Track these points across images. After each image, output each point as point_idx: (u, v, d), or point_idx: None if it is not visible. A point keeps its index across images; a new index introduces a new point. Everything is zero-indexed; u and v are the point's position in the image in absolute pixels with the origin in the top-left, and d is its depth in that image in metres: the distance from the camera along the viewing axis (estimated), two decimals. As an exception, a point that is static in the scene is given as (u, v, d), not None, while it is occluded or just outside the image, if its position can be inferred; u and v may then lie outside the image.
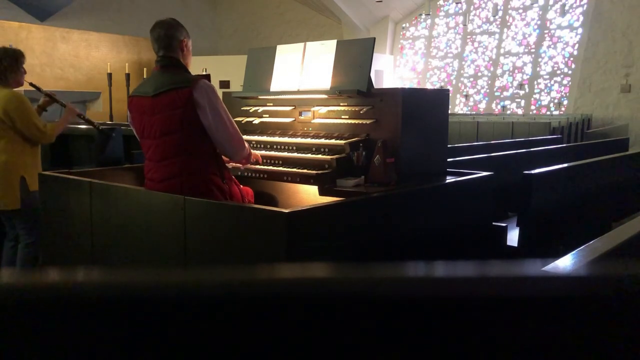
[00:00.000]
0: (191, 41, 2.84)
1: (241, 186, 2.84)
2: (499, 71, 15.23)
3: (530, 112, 14.35)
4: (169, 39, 2.70)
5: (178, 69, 2.71)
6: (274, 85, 3.36)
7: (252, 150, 2.96)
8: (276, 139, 3.27)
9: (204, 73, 2.86)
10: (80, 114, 4.09)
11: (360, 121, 2.96)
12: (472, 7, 15.82)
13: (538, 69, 14.65)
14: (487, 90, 15.40)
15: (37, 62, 12.35)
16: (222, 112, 2.63)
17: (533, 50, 14.74)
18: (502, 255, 3.17)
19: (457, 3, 15.90)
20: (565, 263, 1.47)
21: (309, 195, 3.21)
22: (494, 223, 3.17)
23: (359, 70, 2.97)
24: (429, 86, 15.94)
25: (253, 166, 3.11)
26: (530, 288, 0.55)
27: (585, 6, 13.95)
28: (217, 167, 2.66)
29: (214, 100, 2.61)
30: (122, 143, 5.21)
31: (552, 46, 14.50)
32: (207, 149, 2.62)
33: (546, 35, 14.59)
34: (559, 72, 14.36)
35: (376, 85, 2.98)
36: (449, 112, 3.95)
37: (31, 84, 3.94)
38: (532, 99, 14.69)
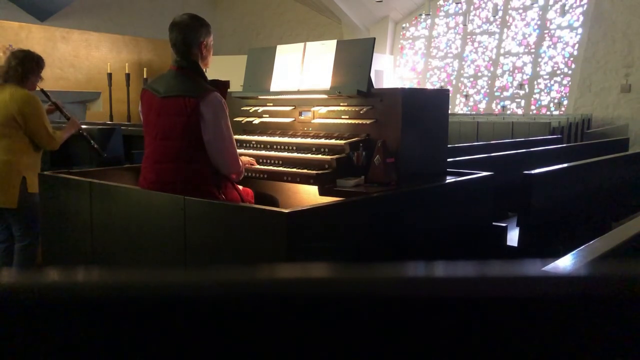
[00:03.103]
0: (212, 37, 2.74)
1: (241, 187, 2.83)
2: (499, 71, 15.23)
3: (530, 112, 14.34)
4: (186, 46, 2.64)
5: (193, 74, 2.64)
6: (274, 85, 3.36)
7: (243, 158, 2.93)
8: (276, 139, 3.27)
9: (222, 79, 2.76)
10: (81, 131, 4.12)
11: (360, 121, 2.96)
12: (472, 7, 15.81)
13: (538, 69, 14.64)
14: (487, 90, 15.39)
15: (37, 62, 12.33)
16: (224, 131, 2.57)
17: (533, 50, 14.73)
18: (502, 255, 3.17)
19: (457, 3, 15.89)
20: (565, 263, 1.47)
21: (309, 195, 3.21)
22: (494, 223, 3.17)
23: (359, 70, 2.97)
24: (429, 86, 15.93)
25: (253, 166, 3.11)
26: (530, 288, 0.55)
27: (585, 6, 13.94)
28: (214, 176, 2.61)
29: (220, 117, 2.55)
30: (122, 143, 5.21)
31: (552, 46, 14.49)
32: (206, 159, 2.58)
33: (546, 35, 14.59)
34: (559, 72, 14.35)
35: (376, 85, 2.98)
36: (449, 112, 3.95)
37: (42, 91, 4.01)
38: (532, 99, 14.68)
